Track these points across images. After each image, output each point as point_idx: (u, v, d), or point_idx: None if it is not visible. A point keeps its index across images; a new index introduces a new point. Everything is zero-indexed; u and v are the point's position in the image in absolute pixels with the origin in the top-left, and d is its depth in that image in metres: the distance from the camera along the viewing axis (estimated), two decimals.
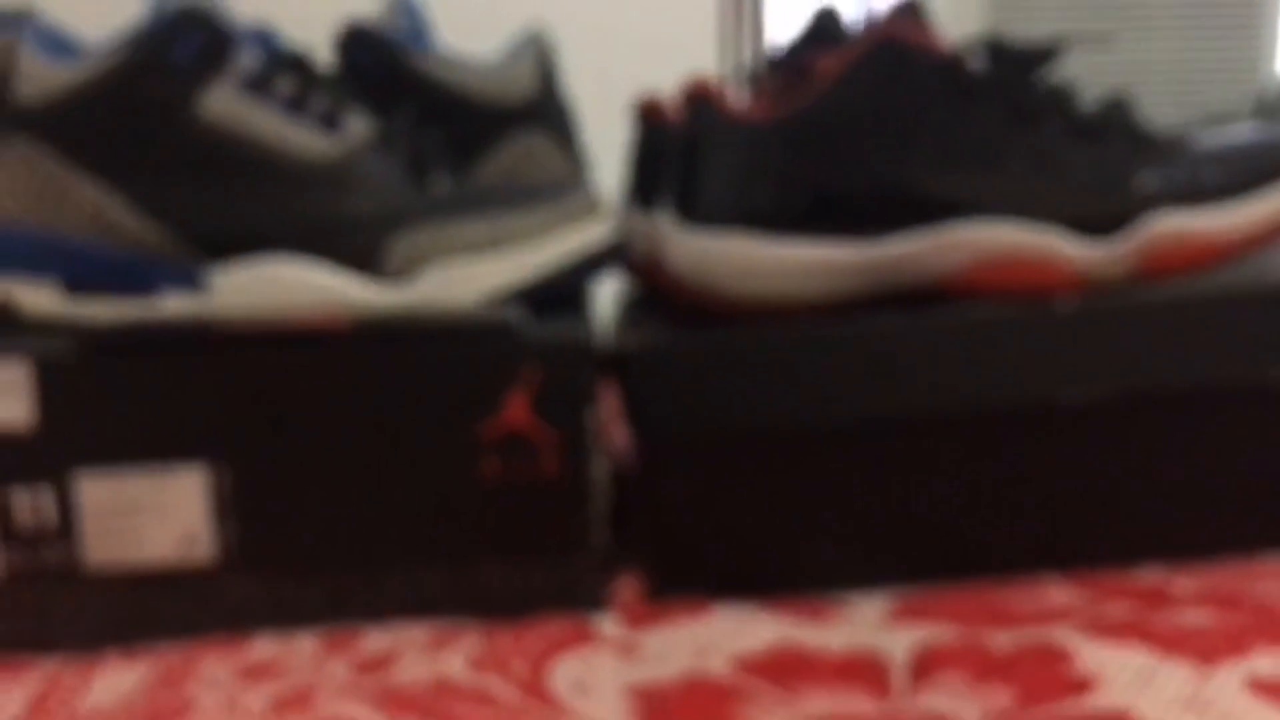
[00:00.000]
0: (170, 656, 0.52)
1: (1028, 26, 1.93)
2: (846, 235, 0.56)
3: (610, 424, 0.61)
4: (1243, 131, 0.60)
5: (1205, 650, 0.47)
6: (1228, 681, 0.45)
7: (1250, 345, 0.55)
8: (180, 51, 0.55)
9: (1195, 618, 0.50)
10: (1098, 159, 0.56)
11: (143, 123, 0.55)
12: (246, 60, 0.56)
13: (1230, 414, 0.55)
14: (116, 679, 0.50)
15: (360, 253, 0.55)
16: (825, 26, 0.63)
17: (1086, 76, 0.62)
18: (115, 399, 0.52)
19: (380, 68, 0.66)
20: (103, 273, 0.55)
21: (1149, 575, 0.55)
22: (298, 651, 0.52)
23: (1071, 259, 0.55)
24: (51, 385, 0.52)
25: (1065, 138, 0.55)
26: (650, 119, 0.66)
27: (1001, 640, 0.50)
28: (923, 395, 0.55)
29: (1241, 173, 0.56)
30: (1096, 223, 0.55)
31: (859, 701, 0.46)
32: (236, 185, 0.55)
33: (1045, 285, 0.55)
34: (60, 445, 0.52)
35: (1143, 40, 1.94)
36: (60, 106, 0.55)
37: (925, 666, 0.48)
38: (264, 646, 0.52)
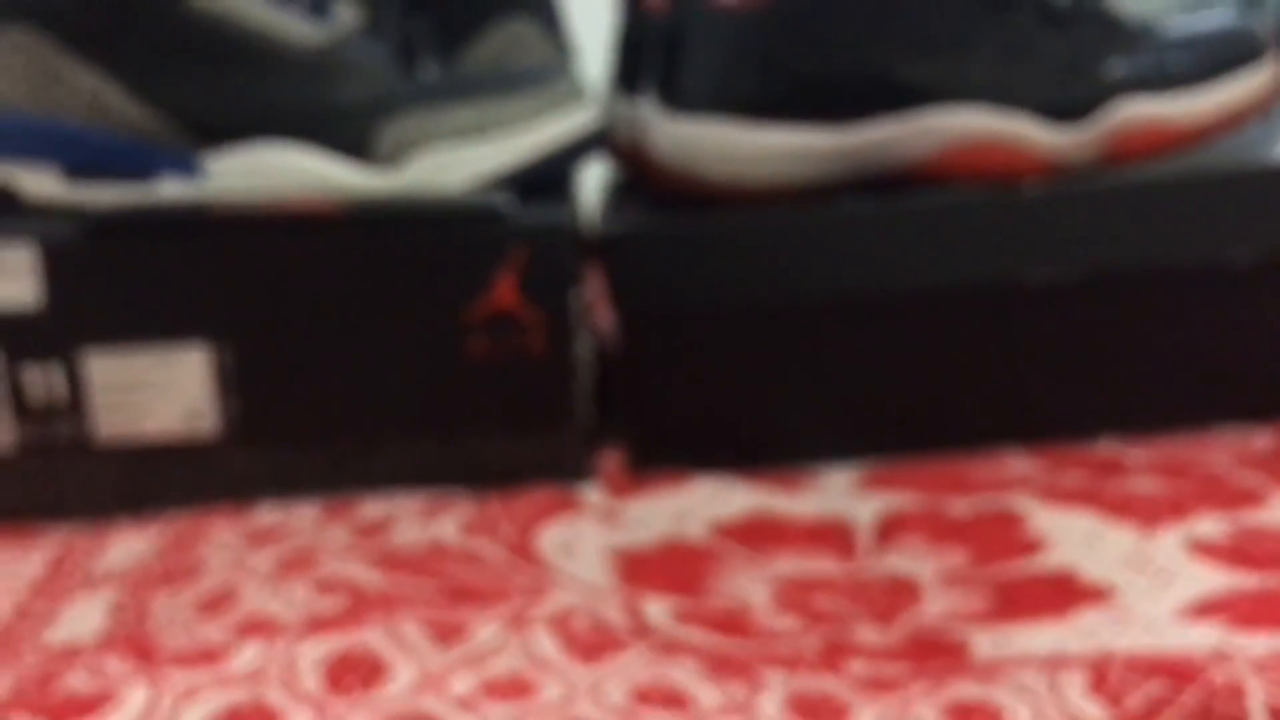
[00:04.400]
0: (179, 523, 0.55)
1: None
2: (824, 121, 0.57)
3: (595, 304, 0.63)
4: (1211, 19, 0.61)
5: (1150, 514, 0.50)
6: (1167, 542, 0.48)
7: (1209, 227, 0.57)
8: None
9: (1144, 485, 0.53)
10: (1067, 46, 0.57)
11: (134, 11, 0.56)
12: None
13: (1189, 293, 0.58)
14: (129, 543, 0.53)
15: (350, 139, 0.57)
16: None
17: None
18: (119, 280, 0.55)
19: None
20: (102, 158, 0.57)
21: (1106, 447, 0.58)
22: (300, 518, 0.55)
23: (1040, 144, 0.57)
24: (58, 267, 0.54)
25: (1036, 25, 0.57)
26: (634, 5, 0.66)
27: (960, 506, 0.53)
28: (895, 276, 0.57)
29: (1208, 60, 0.58)
30: (1065, 109, 0.57)
31: (826, 563, 0.49)
32: (227, 73, 0.57)
33: (1014, 170, 0.57)
34: (68, 324, 0.54)
35: None
36: None
37: (888, 530, 0.51)
38: (268, 513, 0.55)
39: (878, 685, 0.41)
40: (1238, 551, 0.47)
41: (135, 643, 0.45)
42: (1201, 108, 0.57)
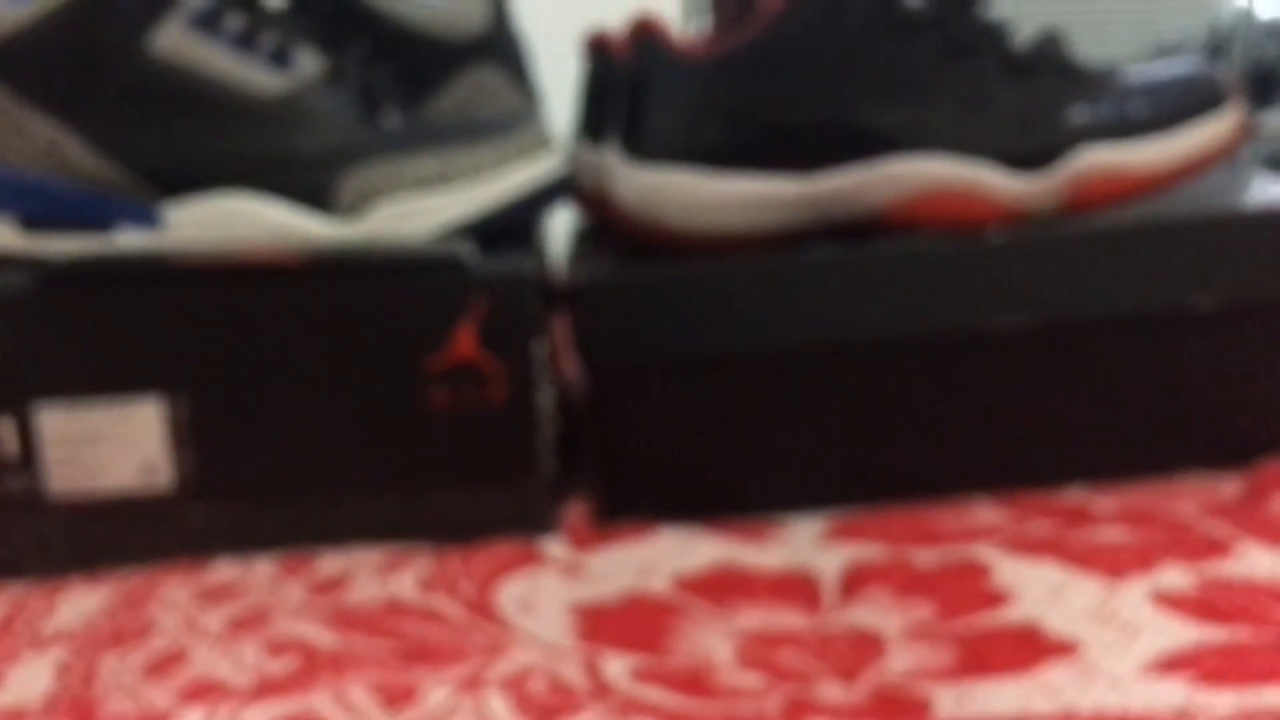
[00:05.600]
0: (132, 580, 0.54)
1: None
2: (788, 169, 0.57)
3: (560, 352, 0.63)
4: (1172, 66, 0.61)
5: (1115, 565, 0.50)
6: (1133, 594, 0.48)
7: (1171, 274, 0.56)
8: None
9: (1109, 535, 0.53)
10: (1029, 94, 0.57)
11: (93, 61, 0.56)
12: None
13: (1152, 340, 0.57)
14: (80, 601, 0.52)
15: (312, 188, 0.57)
16: None
17: (1040, 9, 0.64)
18: (74, 332, 0.54)
19: (330, 3, 0.66)
20: (59, 209, 0.57)
21: (1072, 495, 0.57)
22: (255, 574, 0.54)
23: (1003, 192, 0.57)
24: (10, 319, 0.53)
25: (997, 73, 0.57)
26: (599, 54, 0.66)
27: (926, 557, 0.52)
28: (860, 324, 0.57)
29: (1168, 107, 0.58)
30: (1027, 156, 0.57)
31: (791, 616, 0.49)
32: (188, 122, 0.56)
33: (978, 217, 0.57)
34: (20, 378, 0.54)
35: None
36: (12, 45, 0.56)
37: (854, 583, 0.51)
38: (223, 570, 0.54)
39: None
40: (1204, 604, 0.47)
41: (79, 707, 0.44)
42: (1163, 154, 0.57)
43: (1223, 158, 0.59)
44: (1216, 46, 0.88)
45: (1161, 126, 0.57)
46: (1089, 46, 0.60)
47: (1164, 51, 0.88)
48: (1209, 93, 0.59)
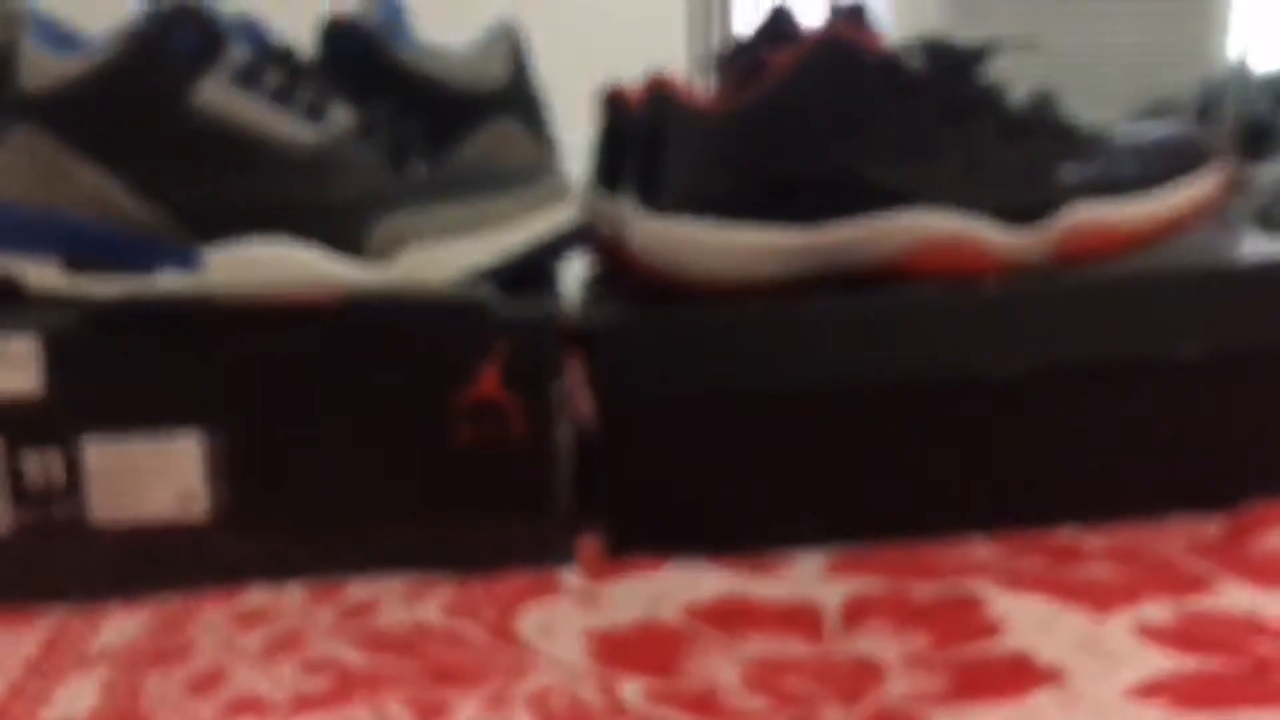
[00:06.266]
0: (170, 604, 0.57)
1: (986, 17, 2.05)
2: (795, 221, 0.60)
3: (576, 393, 0.66)
4: (1160, 128, 0.64)
5: (1102, 599, 0.53)
6: (1119, 626, 0.50)
7: (1159, 325, 0.60)
8: (175, 45, 0.59)
9: (1097, 571, 0.56)
10: (1024, 153, 0.60)
11: (139, 111, 0.59)
12: (237, 53, 0.60)
13: (1140, 388, 0.61)
14: (121, 624, 0.55)
15: (343, 234, 0.60)
16: (779, 24, 0.67)
17: (1038, 65, 0.67)
18: (118, 369, 0.57)
19: (361, 59, 0.70)
20: (103, 252, 0.60)
21: (1064, 534, 0.60)
22: (288, 600, 0.57)
23: (998, 245, 0.60)
24: (58, 356, 0.56)
25: (994, 133, 0.60)
26: (615, 108, 0.70)
27: (923, 591, 0.55)
28: (861, 369, 0.60)
29: (1155, 167, 0.61)
30: (1022, 212, 0.60)
31: (795, 645, 0.51)
32: (227, 171, 0.59)
33: (975, 269, 0.60)
34: (67, 412, 0.56)
35: (1099, 26, 2.04)
36: (62, 95, 0.59)
37: (855, 614, 0.53)
38: (256, 596, 0.57)
39: None
40: (1184, 635, 0.49)
41: None
42: (1149, 211, 0.61)
43: (1207, 215, 0.62)
44: (1210, 102, 0.91)
45: (1148, 185, 0.61)
46: (1086, 103, 0.64)
47: (1159, 107, 0.92)
48: (1193, 154, 0.62)
